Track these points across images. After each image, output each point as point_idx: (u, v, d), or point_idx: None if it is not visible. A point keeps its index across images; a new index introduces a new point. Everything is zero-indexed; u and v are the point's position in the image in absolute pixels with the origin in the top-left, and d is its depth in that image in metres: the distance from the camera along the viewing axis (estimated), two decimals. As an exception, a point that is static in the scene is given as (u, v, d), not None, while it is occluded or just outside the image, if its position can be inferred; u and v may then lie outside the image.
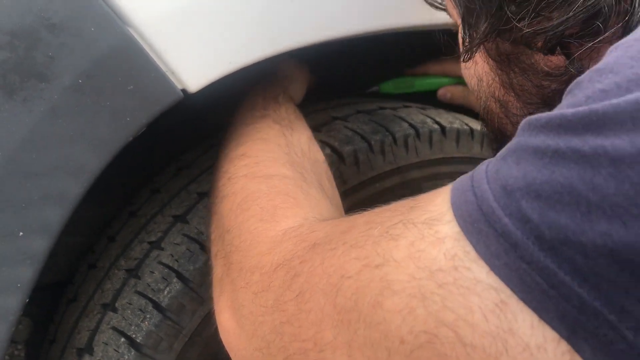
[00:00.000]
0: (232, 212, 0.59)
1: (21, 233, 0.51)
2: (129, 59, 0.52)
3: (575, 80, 0.35)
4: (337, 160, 0.80)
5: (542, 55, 0.48)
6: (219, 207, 0.62)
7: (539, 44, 0.46)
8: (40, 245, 0.52)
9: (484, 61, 0.55)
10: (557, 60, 0.47)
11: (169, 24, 0.55)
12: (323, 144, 0.81)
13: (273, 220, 0.55)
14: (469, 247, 0.35)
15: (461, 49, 0.56)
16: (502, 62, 0.52)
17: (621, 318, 0.28)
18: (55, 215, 0.52)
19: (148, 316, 0.70)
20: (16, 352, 1.75)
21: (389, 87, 0.96)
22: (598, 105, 0.31)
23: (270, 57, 0.63)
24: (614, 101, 0.31)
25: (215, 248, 0.61)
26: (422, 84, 0.97)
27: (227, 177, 0.64)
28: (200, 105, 0.68)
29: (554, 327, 0.30)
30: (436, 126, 0.89)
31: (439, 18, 0.71)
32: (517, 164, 0.34)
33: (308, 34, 0.65)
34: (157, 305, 0.70)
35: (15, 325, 0.53)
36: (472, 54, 0.54)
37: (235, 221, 0.58)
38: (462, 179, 0.39)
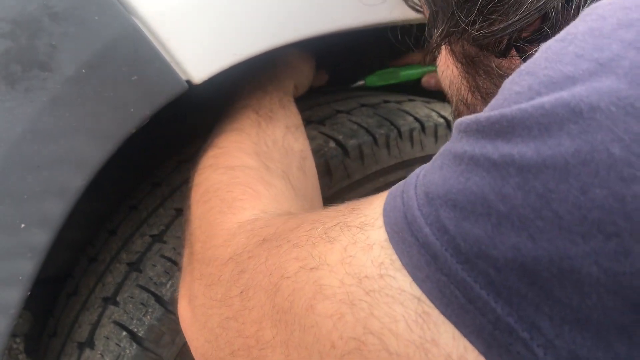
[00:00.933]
0: (195, 203, 0.60)
1: (23, 225, 0.50)
2: (133, 49, 0.51)
3: (504, 81, 0.34)
4: (342, 154, 0.80)
5: (503, 59, 0.47)
6: (187, 196, 0.64)
7: (492, 46, 0.46)
8: (41, 238, 0.51)
9: (453, 65, 0.54)
10: (518, 64, 0.46)
11: (175, 13, 0.53)
12: (327, 137, 0.80)
13: (230, 212, 0.55)
14: (394, 256, 0.34)
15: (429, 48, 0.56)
16: (468, 64, 0.52)
17: (532, 335, 0.28)
18: (57, 208, 0.52)
19: (150, 310, 0.69)
20: (15, 346, 1.75)
21: (374, 79, 0.95)
22: (507, 110, 0.30)
23: (276, 48, 0.62)
24: (522, 105, 0.30)
25: (183, 236, 0.63)
26: (406, 74, 0.95)
27: (197, 168, 0.65)
28: (200, 98, 0.67)
29: (471, 342, 0.30)
30: (441, 120, 0.88)
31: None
32: (440, 169, 0.33)
33: (314, 25, 0.65)
34: (159, 299, 0.69)
35: (16, 319, 0.53)
36: (433, 54, 0.54)
37: (197, 212, 0.58)
38: (400, 183, 0.38)
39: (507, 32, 0.43)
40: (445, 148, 0.35)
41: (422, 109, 0.89)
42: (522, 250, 0.27)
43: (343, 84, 0.99)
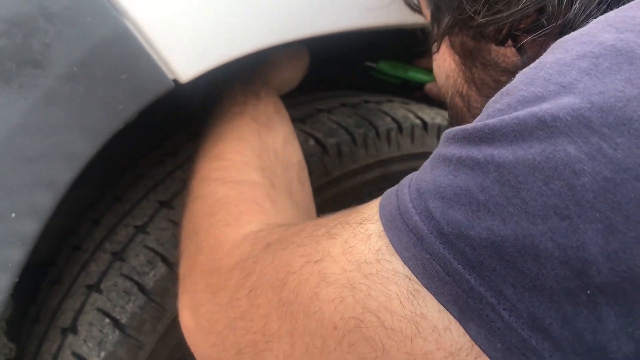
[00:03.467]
0: (201, 216, 0.62)
1: (13, 215, 0.52)
2: (123, 49, 0.53)
3: (488, 101, 0.40)
4: (321, 152, 0.82)
5: (500, 52, 0.53)
6: (191, 206, 0.65)
7: (492, 34, 0.51)
8: (31, 227, 0.53)
9: (451, 57, 0.59)
10: (512, 56, 0.52)
11: (163, 15, 0.56)
12: (307, 135, 0.82)
13: (237, 225, 0.58)
14: (389, 242, 0.39)
15: (431, 43, 0.61)
16: (466, 57, 0.57)
17: (499, 301, 0.33)
18: (46, 199, 0.54)
19: (133, 298, 0.71)
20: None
21: (384, 66, 0.97)
22: (490, 121, 0.36)
23: (263, 49, 0.64)
24: (502, 117, 0.36)
25: (182, 246, 0.64)
26: (414, 75, 0.98)
27: (200, 177, 0.66)
28: (187, 94, 0.69)
29: (448, 309, 0.35)
30: (418, 121, 0.91)
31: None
32: (431, 171, 0.39)
33: (302, 27, 0.66)
34: (141, 288, 0.72)
35: (5, 304, 0.55)
36: (438, 45, 0.59)
37: (203, 225, 0.61)
38: (393, 187, 0.43)
39: (509, 20, 0.48)
40: (435, 153, 0.40)
41: (400, 110, 0.92)
42: (494, 231, 0.33)
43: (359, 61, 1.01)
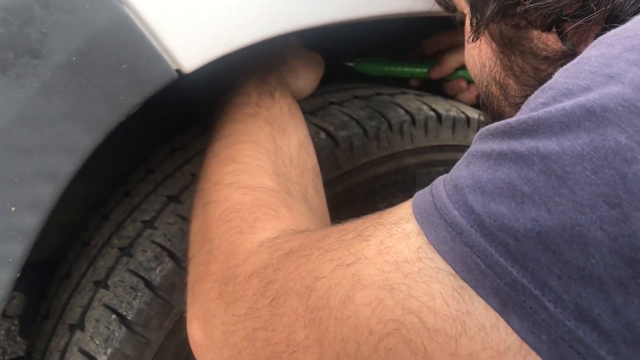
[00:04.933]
0: (214, 221, 0.60)
1: (13, 208, 0.51)
2: (124, 38, 0.52)
3: (527, 99, 0.40)
4: (332, 145, 0.81)
5: (540, 40, 0.53)
6: (201, 211, 0.63)
7: (539, 20, 0.50)
8: (31, 221, 0.52)
9: (488, 46, 0.59)
10: (553, 44, 0.51)
11: (165, 2, 0.54)
12: (318, 128, 0.81)
13: (251, 232, 0.56)
14: (428, 240, 0.38)
15: (468, 33, 0.61)
16: (505, 45, 0.57)
17: (544, 292, 0.33)
18: (47, 192, 0.53)
19: (139, 294, 0.70)
20: (12, 328, 1.77)
21: (362, 66, 0.95)
22: (534, 113, 0.36)
23: (268, 38, 0.62)
24: (547, 109, 0.36)
25: (192, 252, 0.62)
26: (391, 69, 0.95)
27: (213, 181, 0.64)
28: (195, 86, 0.68)
29: (488, 302, 0.34)
30: (432, 113, 0.89)
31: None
32: (466, 167, 0.39)
33: (308, 16, 0.65)
34: (148, 284, 0.71)
35: (6, 299, 0.54)
36: (479, 33, 0.58)
37: (216, 231, 0.59)
38: (425, 188, 0.43)
39: (558, 5, 0.47)
40: (470, 151, 0.40)
41: (414, 102, 0.89)
42: (540, 221, 0.33)
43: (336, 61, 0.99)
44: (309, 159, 0.71)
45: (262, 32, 0.61)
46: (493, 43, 0.58)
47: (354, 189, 0.83)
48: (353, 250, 0.42)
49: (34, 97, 0.49)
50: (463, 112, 0.93)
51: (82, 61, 0.51)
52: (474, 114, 0.94)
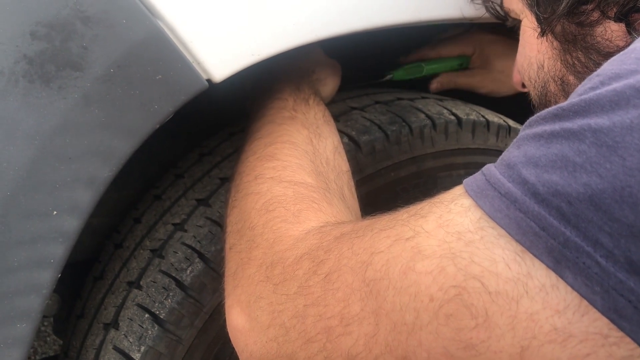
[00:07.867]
0: (255, 211, 0.61)
1: (55, 212, 0.54)
2: (158, 50, 0.55)
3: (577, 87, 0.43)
4: (354, 149, 0.83)
5: (604, 37, 0.57)
6: (241, 202, 0.64)
7: (615, 9, 0.54)
8: (72, 224, 0.55)
9: (549, 45, 0.63)
10: (617, 39, 0.55)
11: (195, 16, 0.57)
12: (341, 133, 0.83)
13: (297, 222, 0.57)
14: (484, 211, 0.40)
15: (527, 35, 0.65)
16: (568, 42, 0.60)
17: (596, 249, 0.35)
18: (86, 197, 0.56)
19: (171, 294, 0.73)
20: (42, 328, 1.81)
21: (401, 74, 0.98)
22: (585, 95, 0.39)
23: (294, 48, 0.65)
24: (597, 91, 0.38)
25: (231, 241, 0.63)
26: (430, 68, 0.99)
27: (254, 175, 0.65)
28: (223, 94, 0.70)
29: (542, 260, 0.37)
30: (452, 117, 0.90)
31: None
32: (517, 149, 0.41)
33: (334, 25, 0.67)
34: (179, 284, 0.73)
35: (47, 299, 0.57)
36: (552, 28, 0.61)
37: (259, 220, 0.59)
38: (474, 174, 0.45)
39: None
40: (520, 136, 0.43)
41: (434, 107, 0.91)
42: (591, 185, 0.35)
43: (364, 80, 1.02)
44: (344, 163, 0.73)
45: (290, 41, 0.64)
46: (555, 41, 0.61)
47: (376, 192, 0.85)
48: (411, 226, 0.44)
49: (74, 107, 0.52)
50: (483, 116, 0.94)
51: (119, 73, 0.54)
52: (493, 117, 0.96)
